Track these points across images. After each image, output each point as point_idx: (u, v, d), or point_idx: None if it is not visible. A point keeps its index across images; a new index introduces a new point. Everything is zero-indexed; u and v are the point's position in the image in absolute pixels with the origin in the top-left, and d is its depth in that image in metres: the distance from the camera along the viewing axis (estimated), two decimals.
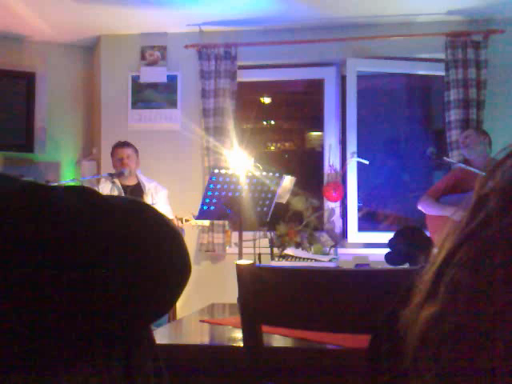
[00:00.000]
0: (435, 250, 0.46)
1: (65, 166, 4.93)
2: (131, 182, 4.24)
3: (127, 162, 4.14)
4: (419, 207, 4.09)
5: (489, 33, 4.33)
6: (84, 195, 0.56)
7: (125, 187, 4.20)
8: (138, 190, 4.23)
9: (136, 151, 4.23)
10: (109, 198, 0.58)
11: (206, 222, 4.04)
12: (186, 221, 3.99)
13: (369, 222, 4.76)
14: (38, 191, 0.53)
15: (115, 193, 4.17)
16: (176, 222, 3.95)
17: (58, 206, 0.53)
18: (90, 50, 5.02)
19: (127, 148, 4.17)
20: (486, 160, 3.91)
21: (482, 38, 4.35)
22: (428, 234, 3.99)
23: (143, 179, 4.26)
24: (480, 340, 0.39)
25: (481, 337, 0.39)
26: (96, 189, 4.22)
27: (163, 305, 0.60)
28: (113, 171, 4.22)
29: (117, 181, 4.19)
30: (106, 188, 4.19)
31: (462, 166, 3.85)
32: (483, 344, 0.39)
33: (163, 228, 0.59)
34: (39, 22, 4.47)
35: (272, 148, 5.58)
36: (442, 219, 3.92)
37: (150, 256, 0.56)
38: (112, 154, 4.23)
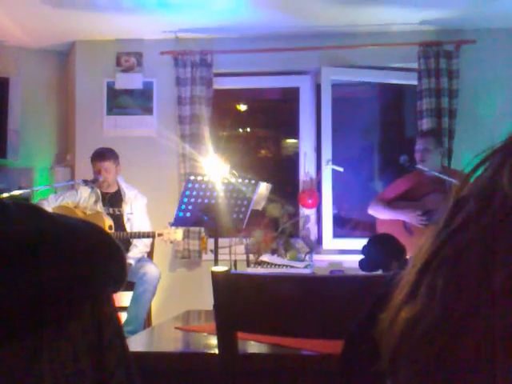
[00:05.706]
0: (415, 253, 0.47)
1: (38, 172, 4.87)
2: (111, 189, 4.20)
3: (105, 175, 4.11)
4: (370, 212, 4.11)
5: (460, 43, 4.41)
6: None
7: (104, 194, 4.16)
8: (116, 197, 4.19)
9: (115, 160, 4.16)
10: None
11: (179, 237, 4.00)
12: (159, 235, 3.94)
13: (343, 228, 4.79)
14: None
15: (93, 198, 4.14)
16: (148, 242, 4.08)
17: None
18: (64, 55, 4.98)
19: (104, 161, 4.10)
20: (439, 168, 3.94)
21: (453, 48, 4.43)
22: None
23: (124, 186, 4.22)
24: (452, 338, 0.40)
25: (453, 335, 0.40)
26: (75, 193, 4.23)
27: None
28: (88, 177, 4.18)
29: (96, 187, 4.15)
30: (84, 193, 4.14)
31: (436, 173, 3.89)
32: (455, 342, 0.40)
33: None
34: (13, 26, 4.41)
35: (248, 155, 5.58)
36: (393, 224, 3.93)
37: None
38: (91, 163, 4.19)
